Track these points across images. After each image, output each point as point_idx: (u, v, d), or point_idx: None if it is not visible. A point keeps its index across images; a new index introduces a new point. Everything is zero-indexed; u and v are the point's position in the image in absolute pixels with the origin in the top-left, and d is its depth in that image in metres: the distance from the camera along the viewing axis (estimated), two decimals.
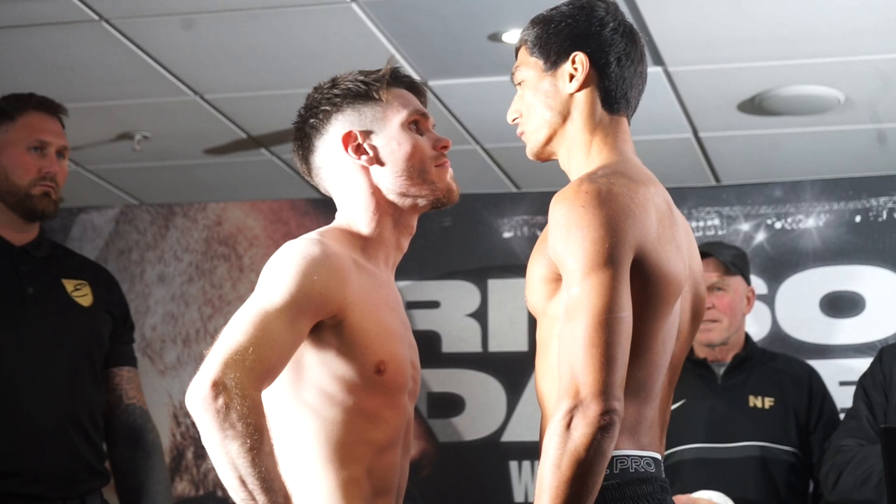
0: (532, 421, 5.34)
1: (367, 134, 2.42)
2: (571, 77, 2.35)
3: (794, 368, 4.34)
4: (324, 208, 5.52)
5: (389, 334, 2.33)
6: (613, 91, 2.35)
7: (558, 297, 2.22)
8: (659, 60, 4.19)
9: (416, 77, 2.93)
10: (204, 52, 4.18)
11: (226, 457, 2.11)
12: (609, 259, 2.13)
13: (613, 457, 2.18)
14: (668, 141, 4.94)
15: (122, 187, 5.64)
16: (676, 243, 2.26)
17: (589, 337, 2.10)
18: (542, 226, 5.44)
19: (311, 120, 2.45)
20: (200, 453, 5.58)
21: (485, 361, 5.55)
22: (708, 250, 4.22)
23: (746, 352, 4.29)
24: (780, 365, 4.33)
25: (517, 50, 2.42)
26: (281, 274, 2.23)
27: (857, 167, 5.27)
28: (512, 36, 3.97)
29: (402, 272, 2.59)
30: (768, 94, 4.48)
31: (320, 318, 2.25)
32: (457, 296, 5.59)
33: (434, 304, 5.60)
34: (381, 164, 2.41)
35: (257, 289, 2.24)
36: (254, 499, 2.12)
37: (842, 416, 4.18)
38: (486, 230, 5.61)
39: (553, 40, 2.36)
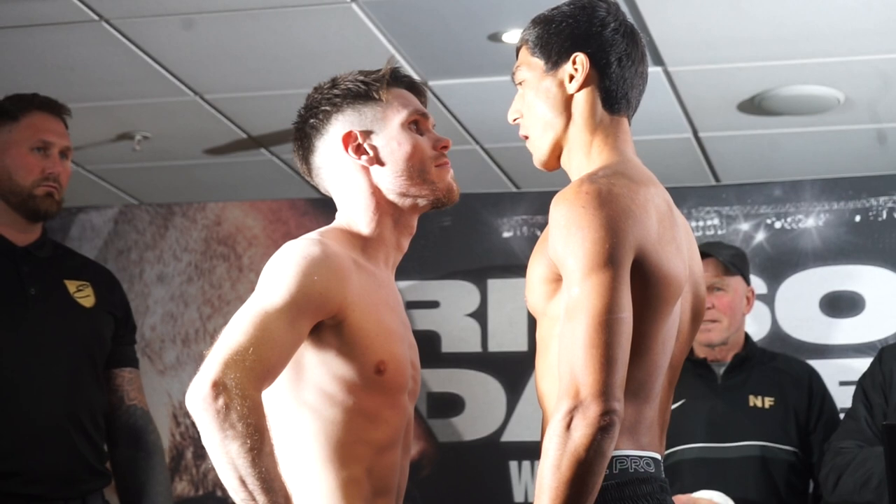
0: (532, 421, 5.34)
1: (367, 134, 2.42)
2: (572, 77, 2.35)
3: (794, 368, 4.34)
4: (323, 208, 5.52)
5: (389, 334, 2.33)
6: (614, 91, 2.35)
7: (558, 298, 2.22)
8: (659, 60, 4.19)
9: (416, 77, 2.93)
10: (204, 52, 4.18)
11: (226, 457, 2.11)
12: (609, 260, 2.13)
13: (613, 457, 2.18)
14: (667, 141, 4.94)
15: (121, 187, 5.64)
16: (677, 244, 2.26)
17: (589, 337, 2.10)
18: (541, 226, 5.44)
19: (311, 120, 2.44)
20: (200, 453, 5.58)
21: (484, 361, 5.55)
22: (707, 250, 4.22)
23: (746, 352, 4.29)
24: (780, 365, 4.33)
25: (518, 50, 2.42)
26: (281, 274, 2.23)
27: (857, 167, 5.27)
28: (512, 36, 3.97)
29: (402, 272, 2.59)
30: (768, 94, 4.47)
31: (320, 319, 2.25)
32: (456, 296, 5.59)
33: (434, 304, 5.59)
34: (382, 164, 2.41)
35: (257, 289, 2.24)
36: (254, 499, 2.12)
37: (842, 415, 4.18)
38: (486, 230, 5.61)
39: (554, 40, 2.35)
